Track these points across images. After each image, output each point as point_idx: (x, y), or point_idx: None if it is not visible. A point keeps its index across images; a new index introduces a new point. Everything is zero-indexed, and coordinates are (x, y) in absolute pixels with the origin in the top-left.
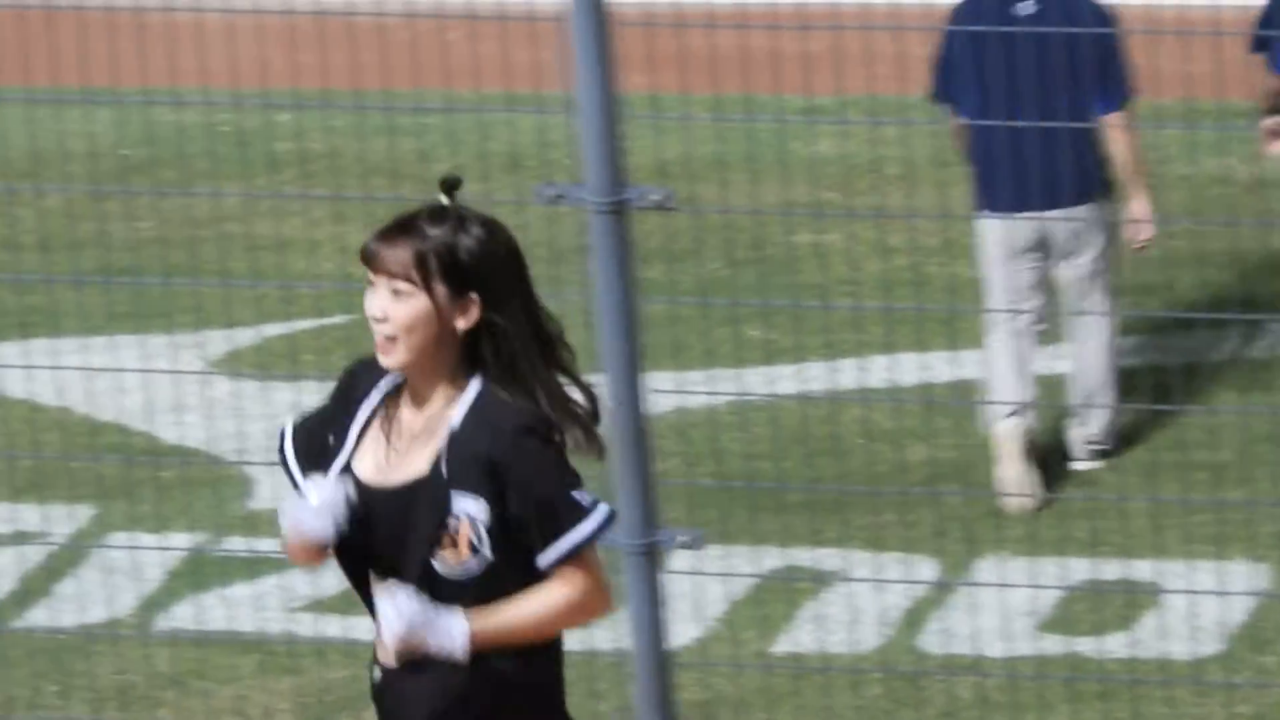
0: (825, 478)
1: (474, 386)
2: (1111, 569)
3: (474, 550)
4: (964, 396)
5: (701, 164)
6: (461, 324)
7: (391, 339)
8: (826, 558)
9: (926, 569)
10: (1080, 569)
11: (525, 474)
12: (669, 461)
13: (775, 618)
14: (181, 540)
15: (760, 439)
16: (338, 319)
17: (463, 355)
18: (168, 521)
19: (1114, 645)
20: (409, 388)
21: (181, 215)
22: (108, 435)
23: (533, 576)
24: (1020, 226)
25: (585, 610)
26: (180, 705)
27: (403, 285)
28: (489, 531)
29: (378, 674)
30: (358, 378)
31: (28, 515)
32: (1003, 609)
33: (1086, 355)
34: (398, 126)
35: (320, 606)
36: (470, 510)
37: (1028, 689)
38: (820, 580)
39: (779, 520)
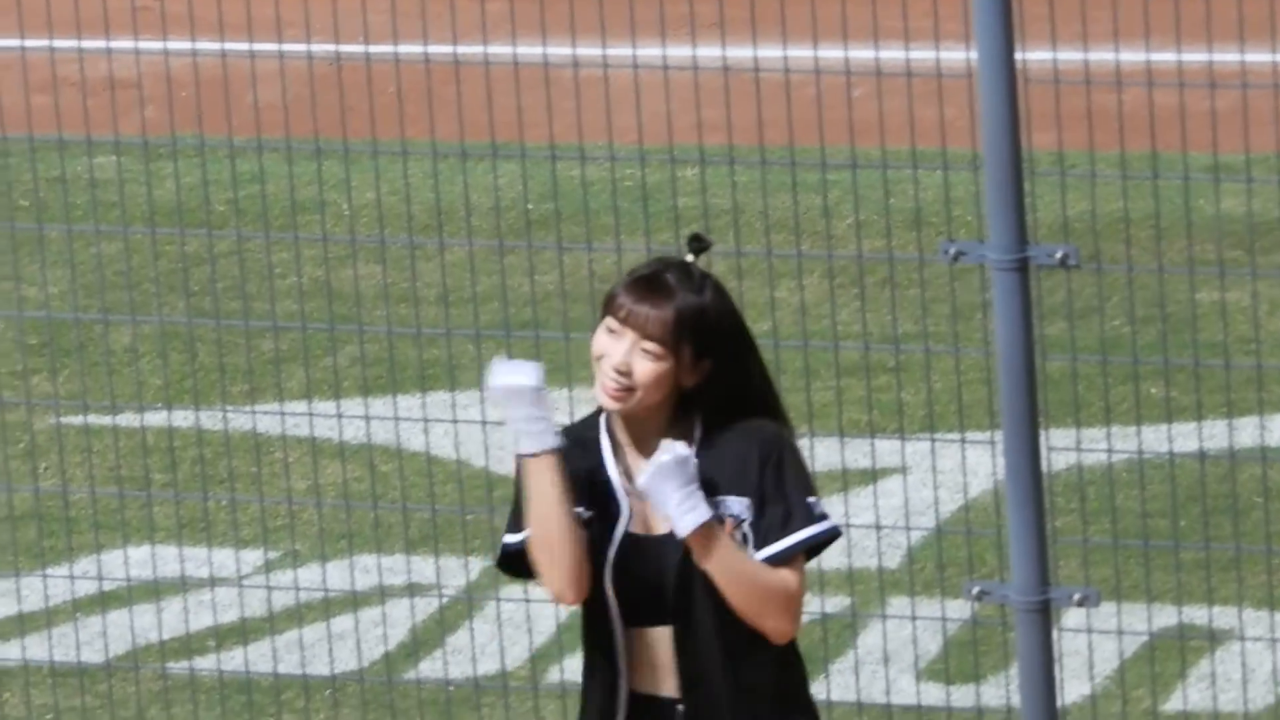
0: (1221, 536)
1: (698, 422)
2: None
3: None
4: None
5: (1106, 221)
6: (691, 381)
7: (628, 390)
8: (1220, 616)
9: None
10: None
11: (778, 470)
12: (1064, 519)
13: (1167, 676)
14: None
15: (1157, 496)
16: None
17: (683, 404)
18: None
19: None
20: (630, 434)
21: (584, 270)
22: (504, 488)
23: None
24: None
25: (787, 608)
26: None
27: (654, 347)
28: (752, 527)
29: (680, 709)
30: (585, 441)
31: (421, 567)
32: None
33: None
34: (802, 182)
35: None
36: (735, 510)
37: None
38: (1213, 638)
39: (1173, 578)
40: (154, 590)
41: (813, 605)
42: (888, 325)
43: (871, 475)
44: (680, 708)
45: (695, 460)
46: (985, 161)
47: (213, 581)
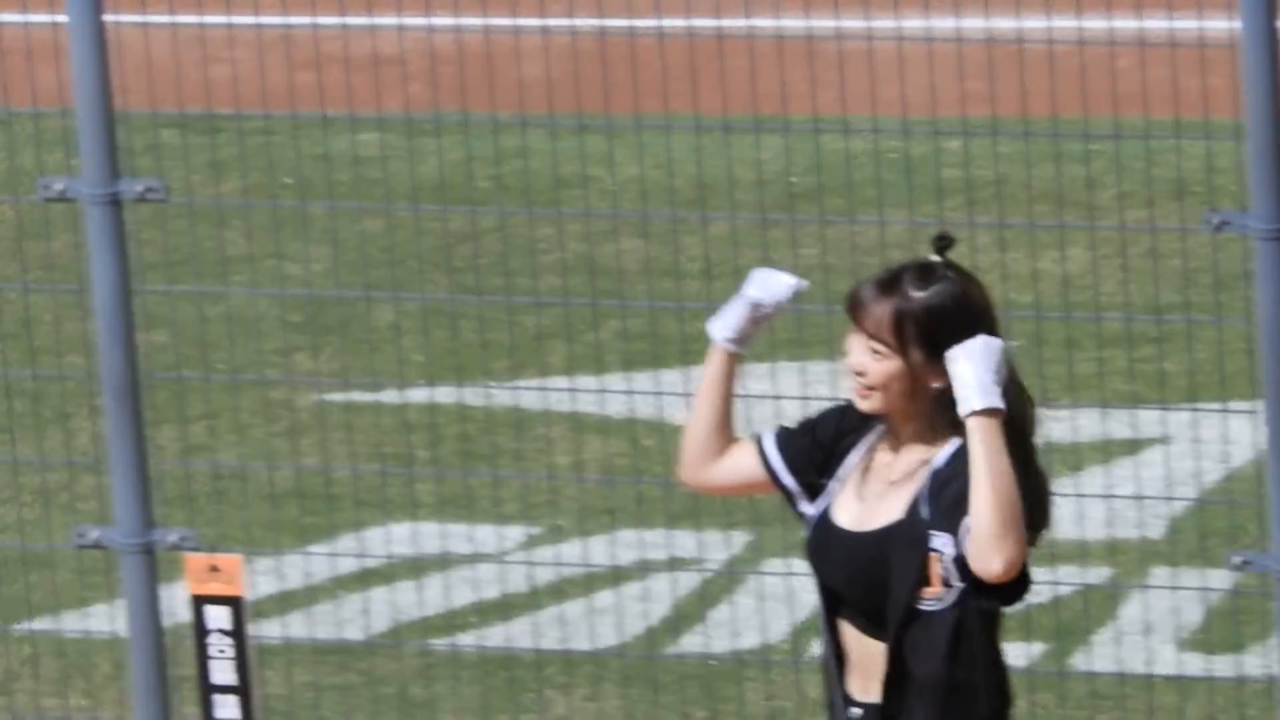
0: None
1: (955, 439)
2: None
3: (945, 584)
4: None
5: None
6: (937, 385)
7: (869, 388)
8: None
9: None
10: None
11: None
12: None
13: None
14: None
15: None
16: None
17: (942, 409)
18: None
19: None
20: (888, 430)
21: (847, 243)
22: None
23: (993, 595)
24: None
25: (1021, 536)
26: None
27: (879, 346)
28: (955, 561)
29: (856, 712)
30: (850, 416)
31: (684, 541)
32: None
33: None
34: (1064, 153)
35: None
36: (938, 545)
37: None
38: None
39: None
40: (416, 567)
41: (1074, 576)
42: (1150, 295)
43: (1134, 445)
44: (854, 710)
45: (1006, 353)
46: (1248, 131)
47: (475, 558)
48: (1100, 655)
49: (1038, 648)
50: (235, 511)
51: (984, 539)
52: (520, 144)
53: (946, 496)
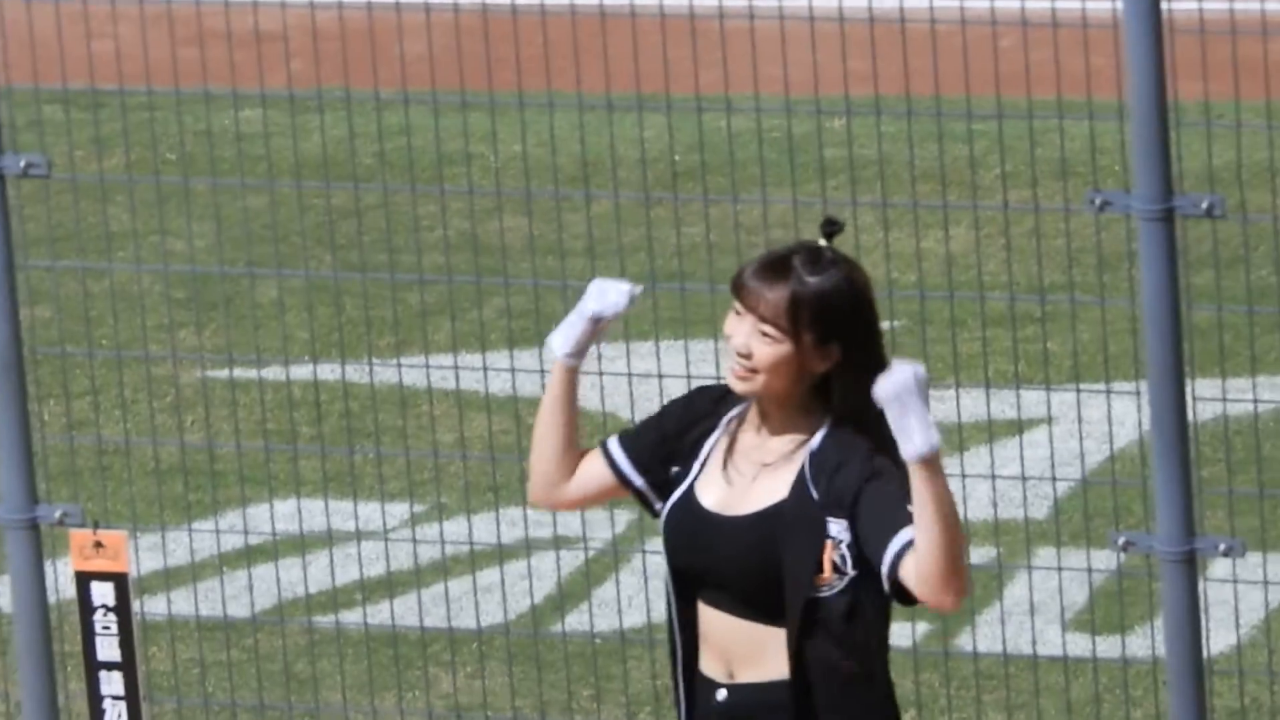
0: None
1: (826, 421)
2: None
3: (838, 570)
4: None
5: (1252, 171)
6: (820, 368)
7: (752, 371)
8: None
9: None
10: None
11: (880, 491)
12: (1210, 469)
13: None
14: None
15: None
16: (883, 325)
17: (818, 393)
18: None
19: None
20: (760, 414)
21: (730, 221)
22: None
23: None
24: None
25: (963, 570)
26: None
27: (771, 330)
28: (849, 549)
29: (723, 694)
30: (697, 404)
31: (568, 520)
32: None
33: None
34: (948, 132)
35: None
36: (834, 531)
37: None
38: None
39: None
40: (300, 544)
41: None
42: (1034, 275)
43: (1018, 426)
44: (721, 692)
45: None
46: (1131, 111)
47: (359, 535)
48: (985, 636)
49: (923, 628)
50: (120, 487)
51: (937, 577)
52: (403, 121)
53: (841, 483)
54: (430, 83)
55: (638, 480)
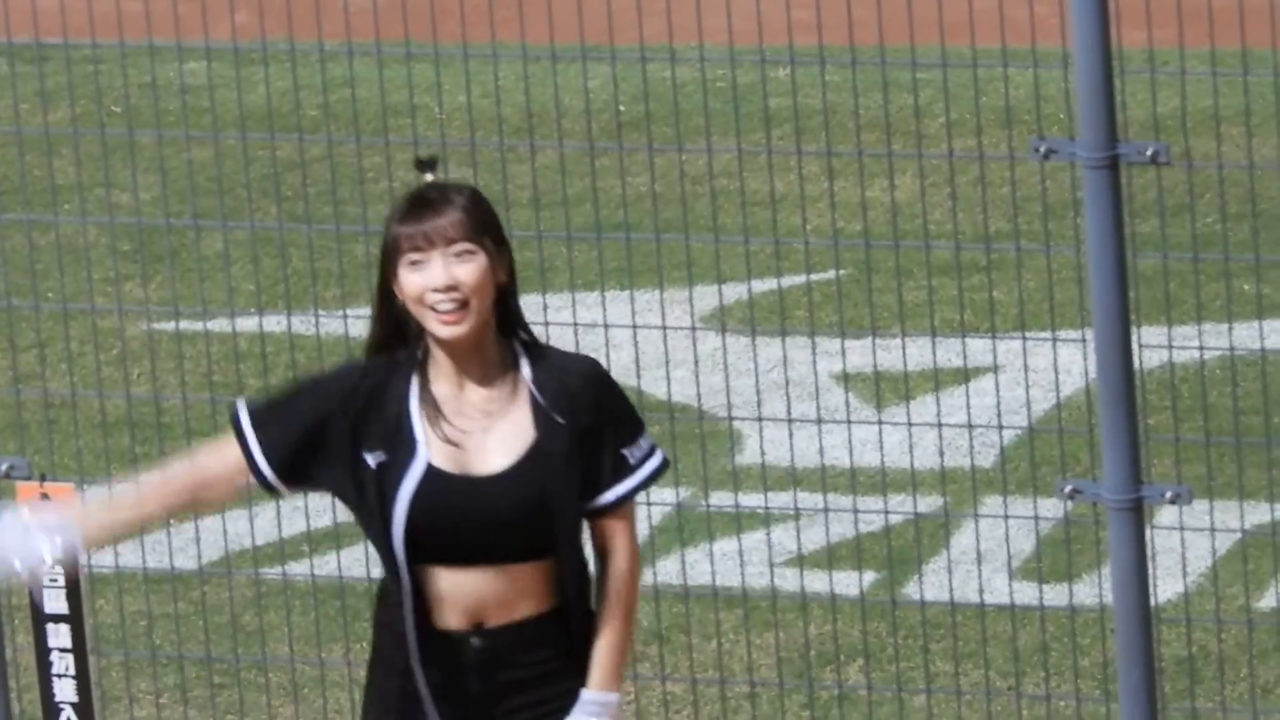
0: None
1: (514, 346)
2: None
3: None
4: None
5: (1197, 118)
6: (502, 278)
7: (463, 304)
8: None
9: None
10: None
11: (618, 411)
12: (1156, 416)
13: (1260, 573)
14: (668, 495)
15: (1250, 394)
16: (828, 274)
17: (503, 313)
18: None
19: None
20: (455, 367)
21: (675, 171)
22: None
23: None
24: None
25: (636, 571)
26: (663, 659)
27: (464, 246)
28: (568, 459)
29: (477, 642)
30: (356, 381)
31: None
32: None
33: None
34: (892, 81)
35: (804, 562)
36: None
37: None
38: None
39: (1265, 475)
40: (247, 496)
41: (905, 505)
42: (979, 224)
43: (964, 375)
44: (475, 641)
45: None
46: (1076, 59)
47: None
48: (932, 584)
49: (870, 576)
50: (66, 440)
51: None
52: (348, 73)
53: (576, 399)
54: (374, 34)
55: (272, 477)
